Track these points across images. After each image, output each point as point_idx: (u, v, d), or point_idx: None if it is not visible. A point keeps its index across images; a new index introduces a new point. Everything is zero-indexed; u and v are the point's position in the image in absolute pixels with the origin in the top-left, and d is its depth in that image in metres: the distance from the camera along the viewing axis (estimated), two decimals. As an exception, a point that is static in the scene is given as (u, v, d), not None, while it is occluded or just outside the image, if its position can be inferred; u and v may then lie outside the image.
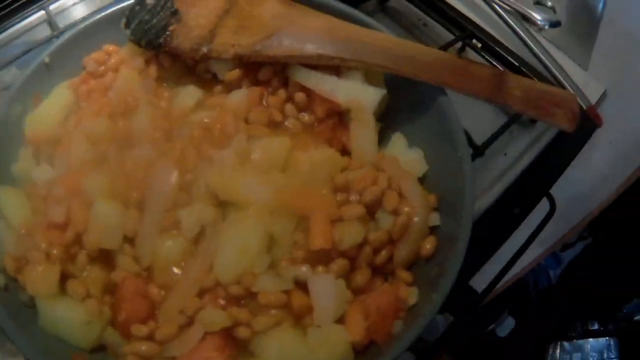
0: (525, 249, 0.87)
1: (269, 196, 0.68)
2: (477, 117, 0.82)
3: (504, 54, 0.96)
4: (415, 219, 0.70)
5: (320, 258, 0.67)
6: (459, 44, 0.96)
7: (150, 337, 0.67)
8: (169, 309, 0.68)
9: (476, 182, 0.72)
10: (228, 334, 0.66)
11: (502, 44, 0.96)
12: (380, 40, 0.76)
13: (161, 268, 0.70)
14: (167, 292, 0.69)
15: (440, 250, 0.70)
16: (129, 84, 0.79)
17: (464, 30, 0.98)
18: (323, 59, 0.75)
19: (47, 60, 0.82)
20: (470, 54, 1.00)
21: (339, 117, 0.78)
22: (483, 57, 0.96)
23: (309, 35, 0.76)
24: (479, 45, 0.97)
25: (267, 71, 0.78)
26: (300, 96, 0.77)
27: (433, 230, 0.71)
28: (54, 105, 0.81)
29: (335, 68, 0.77)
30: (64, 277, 0.70)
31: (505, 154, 0.90)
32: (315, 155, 0.72)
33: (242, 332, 0.65)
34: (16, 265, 0.71)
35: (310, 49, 0.75)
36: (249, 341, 0.66)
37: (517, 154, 0.90)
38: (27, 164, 0.79)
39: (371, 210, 0.70)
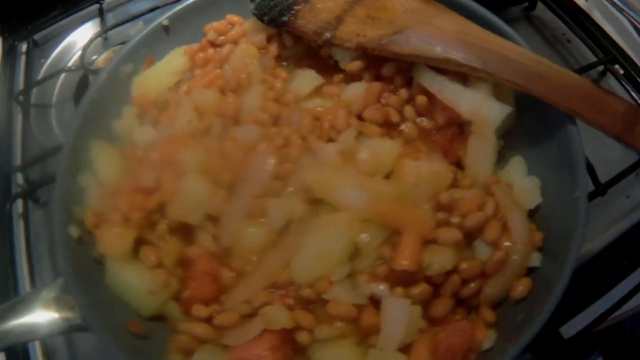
0: (625, 301, 0.79)
1: (365, 203, 0.64)
2: (605, 151, 0.74)
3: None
4: (515, 257, 0.63)
5: (403, 279, 0.62)
6: (601, 68, 0.87)
7: (208, 320, 0.65)
8: (236, 297, 0.66)
9: (591, 224, 0.65)
10: (289, 335, 0.63)
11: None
12: (514, 53, 0.69)
13: (239, 253, 0.68)
14: (239, 279, 0.67)
15: (532, 294, 0.63)
16: (245, 59, 0.77)
17: (607, 53, 0.89)
18: (450, 64, 0.69)
19: (165, 22, 0.82)
20: (611, 80, 0.91)
21: (459, 128, 0.73)
22: (623, 86, 0.87)
23: (440, 36, 0.70)
24: (621, 71, 0.88)
25: (390, 67, 0.74)
26: (421, 99, 0.72)
27: (530, 270, 0.64)
28: (166, 69, 0.81)
29: (463, 76, 0.71)
30: (140, 242, 0.70)
31: (628, 197, 0.81)
32: (423, 166, 0.67)
33: (303, 337, 0.63)
34: (96, 220, 0.71)
35: (439, 51, 0.69)
36: (308, 347, 0.63)
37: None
38: (130, 122, 0.79)
39: (469, 236, 0.64)
